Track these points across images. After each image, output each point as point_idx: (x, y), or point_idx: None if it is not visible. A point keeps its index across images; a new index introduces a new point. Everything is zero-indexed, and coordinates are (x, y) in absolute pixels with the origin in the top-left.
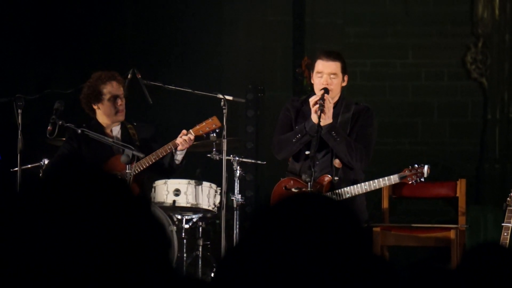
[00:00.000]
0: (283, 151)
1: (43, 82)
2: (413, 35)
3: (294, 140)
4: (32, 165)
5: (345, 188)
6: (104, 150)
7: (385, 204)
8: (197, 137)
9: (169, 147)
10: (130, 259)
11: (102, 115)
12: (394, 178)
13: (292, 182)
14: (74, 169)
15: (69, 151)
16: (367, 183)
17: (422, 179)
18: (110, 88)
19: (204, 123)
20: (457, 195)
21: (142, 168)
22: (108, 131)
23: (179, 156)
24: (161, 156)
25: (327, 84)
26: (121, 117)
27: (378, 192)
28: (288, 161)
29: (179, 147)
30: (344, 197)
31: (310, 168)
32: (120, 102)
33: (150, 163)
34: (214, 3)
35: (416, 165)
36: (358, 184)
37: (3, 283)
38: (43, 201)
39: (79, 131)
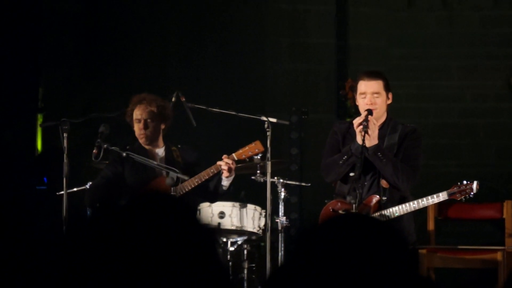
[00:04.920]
0: (331, 173)
1: (88, 106)
2: (458, 57)
3: (340, 162)
4: (78, 188)
5: (393, 208)
6: (147, 172)
7: (431, 225)
8: (240, 161)
9: (212, 170)
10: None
11: None
12: (443, 195)
13: (339, 204)
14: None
15: (113, 173)
16: (415, 201)
17: (471, 195)
18: (137, 112)
19: (247, 148)
20: (504, 216)
21: (184, 191)
22: (151, 154)
23: (225, 182)
24: (203, 180)
25: (371, 104)
26: (142, 140)
27: (423, 213)
28: (333, 183)
29: (224, 174)
30: (393, 216)
31: (355, 190)
32: (140, 127)
33: (193, 186)
34: (258, 26)
35: (465, 182)
36: (407, 203)
37: None
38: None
39: (124, 154)
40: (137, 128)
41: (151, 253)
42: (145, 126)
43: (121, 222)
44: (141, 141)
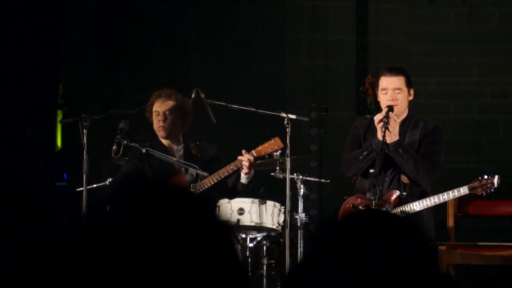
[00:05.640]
0: (352, 168)
1: (108, 102)
2: (478, 53)
3: (361, 157)
4: (98, 184)
5: (414, 203)
6: (166, 169)
7: (450, 222)
8: (259, 157)
9: (231, 167)
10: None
11: None
12: (464, 190)
13: (359, 200)
14: (139, 188)
15: (132, 170)
16: (436, 196)
17: (492, 190)
18: (156, 105)
19: (266, 144)
20: None
21: (204, 188)
22: (170, 151)
23: (244, 180)
24: (223, 177)
25: (393, 100)
26: (161, 133)
27: (443, 210)
28: (352, 180)
29: (244, 170)
30: (413, 211)
31: (375, 187)
32: (159, 119)
33: (213, 183)
34: (278, 23)
35: (486, 176)
36: (427, 198)
37: None
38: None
39: (144, 150)
40: (156, 121)
41: (168, 249)
42: (164, 119)
43: (139, 217)
44: (160, 134)
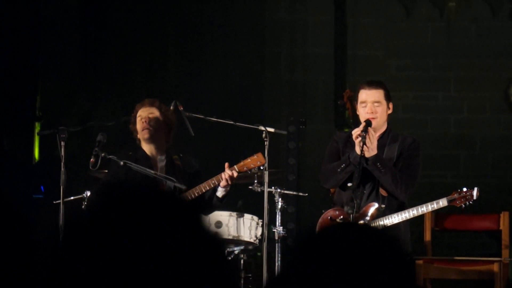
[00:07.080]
0: (330, 180)
1: (86, 114)
2: (456, 68)
3: (339, 170)
4: (75, 197)
5: (393, 215)
6: (147, 180)
7: (428, 236)
8: (240, 173)
9: (213, 181)
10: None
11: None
12: (442, 202)
13: (337, 212)
14: (121, 195)
15: (113, 180)
16: (414, 208)
17: (471, 202)
18: (140, 111)
19: (249, 160)
20: (501, 228)
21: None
22: (154, 161)
23: (220, 192)
24: (204, 191)
25: (372, 113)
26: (145, 135)
27: (420, 224)
28: (330, 193)
29: (222, 183)
30: (392, 223)
31: (353, 200)
32: (143, 121)
33: (193, 196)
34: (256, 36)
35: (465, 188)
36: (406, 210)
37: None
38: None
39: (122, 163)
40: (140, 124)
41: (156, 255)
42: (148, 121)
43: (123, 224)
44: (144, 136)
